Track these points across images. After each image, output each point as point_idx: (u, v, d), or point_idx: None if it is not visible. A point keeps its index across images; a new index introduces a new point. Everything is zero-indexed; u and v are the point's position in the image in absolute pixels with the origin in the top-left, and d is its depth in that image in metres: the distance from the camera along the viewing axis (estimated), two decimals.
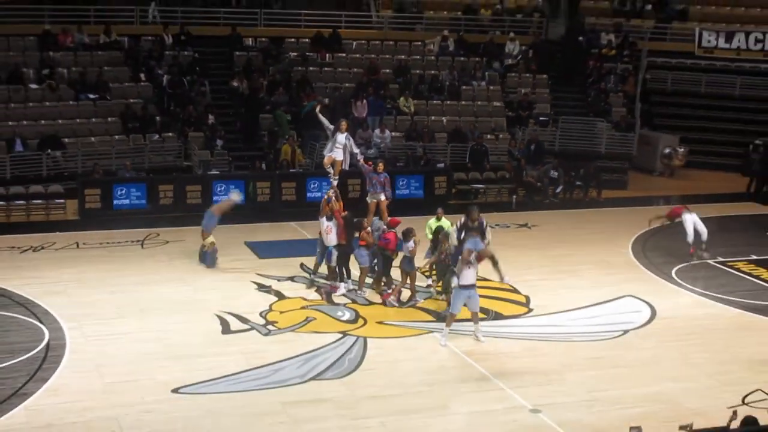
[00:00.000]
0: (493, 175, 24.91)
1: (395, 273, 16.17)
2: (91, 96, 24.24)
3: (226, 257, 18.08)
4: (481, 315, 14.27)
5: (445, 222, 16.49)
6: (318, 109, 17.76)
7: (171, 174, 22.75)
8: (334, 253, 15.96)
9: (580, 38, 29.75)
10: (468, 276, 13.66)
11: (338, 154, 16.70)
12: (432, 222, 16.70)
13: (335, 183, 16.56)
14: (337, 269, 16.12)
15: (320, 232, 16.10)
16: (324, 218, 15.78)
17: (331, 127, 16.85)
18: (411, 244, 15.60)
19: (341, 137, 16.72)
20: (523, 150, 25.51)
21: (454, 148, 25.50)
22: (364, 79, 26.48)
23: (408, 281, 15.87)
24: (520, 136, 26.32)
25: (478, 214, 15.49)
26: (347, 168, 17.31)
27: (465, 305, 13.96)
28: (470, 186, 24.65)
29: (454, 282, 14.05)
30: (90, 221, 20.61)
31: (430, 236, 16.45)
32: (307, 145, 24.20)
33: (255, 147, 24.62)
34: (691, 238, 18.82)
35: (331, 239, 15.70)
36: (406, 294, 15.97)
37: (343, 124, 16.88)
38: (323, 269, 16.45)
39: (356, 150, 17.00)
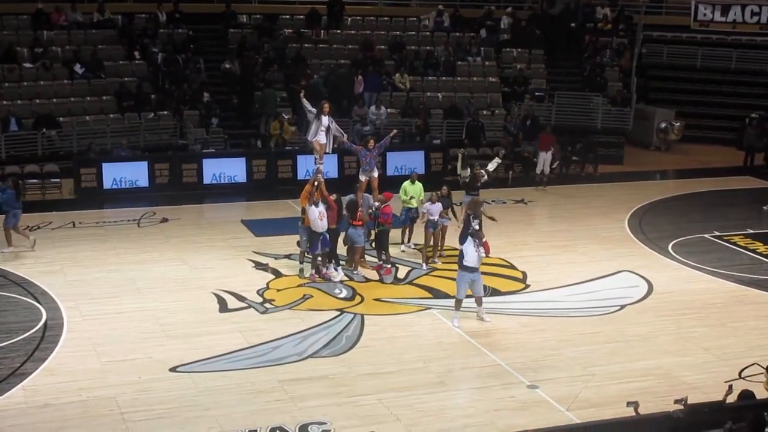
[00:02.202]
0: (490, 151, 24.80)
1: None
2: (80, 70, 23.91)
3: (223, 235, 18.05)
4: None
5: (418, 185, 17.06)
6: (302, 94, 17.43)
7: (167, 152, 22.66)
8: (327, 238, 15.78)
9: (574, 13, 29.58)
10: (472, 257, 13.52)
11: (322, 138, 16.54)
12: (407, 184, 17.15)
13: (321, 167, 16.43)
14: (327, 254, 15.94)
15: (305, 220, 15.54)
16: (313, 205, 15.21)
17: (314, 110, 16.62)
18: (431, 204, 16.08)
19: (325, 120, 16.54)
20: (519, 125, 25.43)
21: (451, 125, 25.38)
22: (359, 56, 26.32)
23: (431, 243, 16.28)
24: (516, 112, 26.22)
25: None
26: (330, 151, 17.16)
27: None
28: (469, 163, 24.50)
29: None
30: (86, 200, 20.54)
31: (404, 197, 16.98)
32: (303, 123, 24.07)
33: (250, 125, 24.50)
34: None
35: (324, 225, 15.45)
36: (402, 272, 15.94)
37: (326, 107, 16.66)
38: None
39: (340, 133, 16.83)
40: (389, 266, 15.90)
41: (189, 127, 23.45)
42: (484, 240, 13.60)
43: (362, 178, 16.74)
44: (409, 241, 17.31)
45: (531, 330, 13.75)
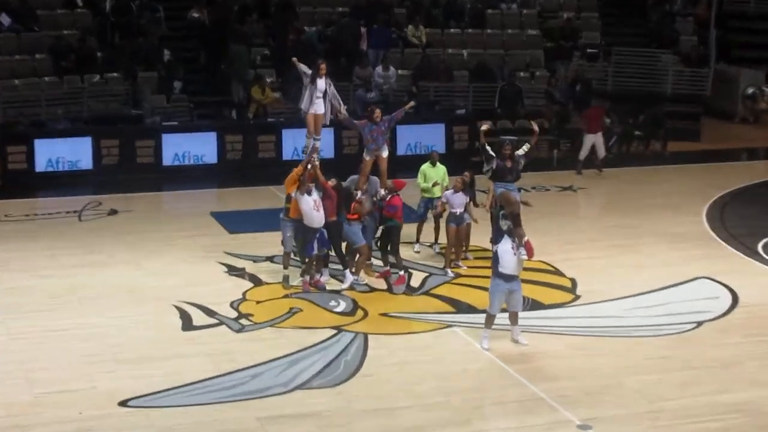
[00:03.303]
0: (529, 124, 24.73)
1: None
2: (6, 21, 23.90)
3: (188, 231, 18.05)
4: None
5: (441, 168, 17.15)
6: (296, 60, 17.35)
7: (116, 125, 22.64)
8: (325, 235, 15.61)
9: None
10: (509, 262, 13.39)
11: (319, 107, 16.48)
12: (426, 167, 17.23)
13: (317, 144, 16.34)
14: (334, 254, 15.83)
15: (290, 212, 15.35)
16: (306, 193, 15.00)
17: (309, 71, 16.57)
18: (452, 194, 16.19)
19: (321, 83, 16.50)
20: (566, 91, 25.39)
21: (478, 90, 25.28)
22: (363, 3, 26.29)
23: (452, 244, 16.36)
24: (562, 74, 26.21)
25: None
26: (327, 123, 17.13)
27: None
28: (500, 138, 24.46)
29: None
30: (13, 187, 20.61)
31: (423, 184, 17.12)
32: (291, 90, 24.06)
33: (223, 90, 24.48)
34: None
35: (321, 218, 15.29)
36: (418, 278, 15.91)
37: (322, 67, 16.59)
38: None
39: (338, 102, 16.76)
40: (401, 273, 15.82)
41: (145, 93, 23.42)
42: (525, 239, 13.47)
43: (366, 158, 16.62)
44: (436, 242, 17.26)
45: (582, 354, 13.70)
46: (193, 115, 23.65)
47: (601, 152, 22.80)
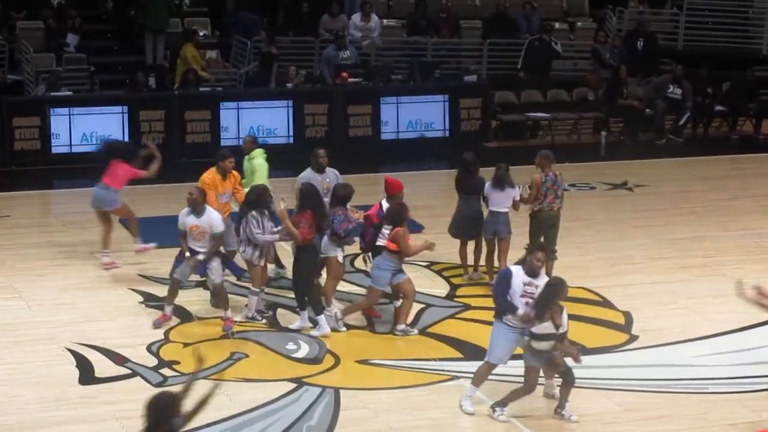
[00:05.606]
0: (566, 96, 24.86)
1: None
2: None
3: (87, 246, 18.14)
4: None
5: (257, 160, 17.35)
6: None
7: None
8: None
9: None
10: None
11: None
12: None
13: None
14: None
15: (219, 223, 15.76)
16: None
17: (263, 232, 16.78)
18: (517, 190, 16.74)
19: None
20: (620, 49, 25.46)
21: (496, 48, 25.39)
22: None
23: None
24: (614, 25, 26.27)
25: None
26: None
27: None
28: (525, 115, 24.60)
29: None
30: None
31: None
32: (231, 47, 24.20)
33: (137, 48, 24.53)
34: None
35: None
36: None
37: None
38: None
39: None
40: (396, 303, 16.04)
41: (26, 51, 23.42)
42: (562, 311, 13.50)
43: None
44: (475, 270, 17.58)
45: (640, 416, 13.72)
46: (94, 83, 23.65)
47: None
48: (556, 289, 13.00)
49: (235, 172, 16.81)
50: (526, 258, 13.36)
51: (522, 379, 13.27)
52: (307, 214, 15.53)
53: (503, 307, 13.16)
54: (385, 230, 15.60)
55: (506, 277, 13.30)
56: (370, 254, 16.17)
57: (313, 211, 15.60)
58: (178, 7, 25.32)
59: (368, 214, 16.22)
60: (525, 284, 13.13)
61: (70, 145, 22.25)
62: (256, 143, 17.66)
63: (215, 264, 15.55)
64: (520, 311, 12.98)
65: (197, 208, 15.44)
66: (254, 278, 15.98)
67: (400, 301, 15.89)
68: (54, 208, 21.14)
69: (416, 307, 16.27)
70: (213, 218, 15.45)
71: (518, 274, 13.22)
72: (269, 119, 23.32)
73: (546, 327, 13.00)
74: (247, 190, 16.67)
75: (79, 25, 24.27)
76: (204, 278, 16.13)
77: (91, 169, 21.53)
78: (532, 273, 13.19)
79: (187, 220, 15.54)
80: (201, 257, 15.44)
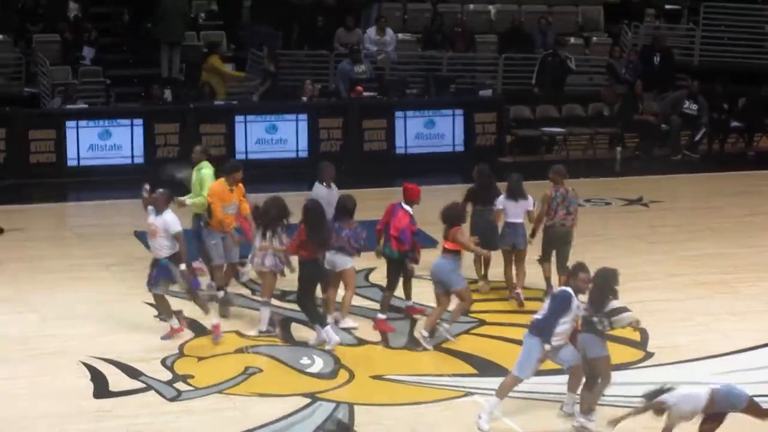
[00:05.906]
0: (581, 111, 24.84)
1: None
2: None
3: (102, 258, 18.11)
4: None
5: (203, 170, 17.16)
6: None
7: (2, 108, 22.81)
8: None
9: None
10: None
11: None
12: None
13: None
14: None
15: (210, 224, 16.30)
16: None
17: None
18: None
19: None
20: (635, 64, 25.42)
21: (510, 63, 25.39)
22: None
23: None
24: (629, 40, 26.24)
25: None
26: None
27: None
28: (540, 130, 24.56)
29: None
30: None
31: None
32: (247, 59, 24.25)
33: (153, 61, 24.56)
34: None
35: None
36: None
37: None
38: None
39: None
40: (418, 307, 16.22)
41: (42, 63, 23.46)
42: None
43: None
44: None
45: None
46: (110, 95, 23.68)
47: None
48: (608, 275, 13.22)
49: (240, 185, 16.84)
50: (569, 281, 13.39)
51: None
52: (301, 229, 15.62)
53: (547, 328, 13.15)
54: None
55: (568, 299, 13.25)
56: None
57: (306, 227, 15.64)
58: (194, 21, 25.35)
59: (403, 225, 16.00)
60: (577, 307, 13.24)
61: (86, 158, 22.24)
62: (205, 154, 17.65)
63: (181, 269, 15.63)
64: (548, 347, 13.05)
65: (159, 208, 15.52)
66: (265, 287, 16.01)
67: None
68: (69, 220, 21.17)
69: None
70: (167, 220, 15.50)
71: (574, 297, 13.28)
72: (284, 133, 23.31)
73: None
74: (194, 200, 16.89)
75: (95, 38, 24.31)
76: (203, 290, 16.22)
77: (105, 182, 21.74)
78: (579, 293, 13.26)
79: (148, 217, 15.66)
80: (182, 266, 15.54)
